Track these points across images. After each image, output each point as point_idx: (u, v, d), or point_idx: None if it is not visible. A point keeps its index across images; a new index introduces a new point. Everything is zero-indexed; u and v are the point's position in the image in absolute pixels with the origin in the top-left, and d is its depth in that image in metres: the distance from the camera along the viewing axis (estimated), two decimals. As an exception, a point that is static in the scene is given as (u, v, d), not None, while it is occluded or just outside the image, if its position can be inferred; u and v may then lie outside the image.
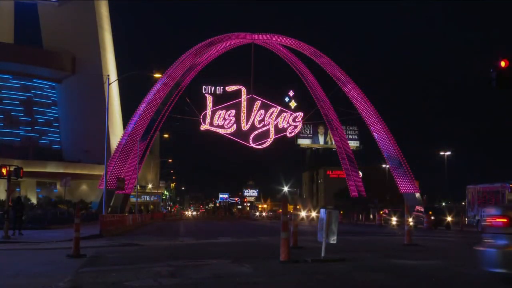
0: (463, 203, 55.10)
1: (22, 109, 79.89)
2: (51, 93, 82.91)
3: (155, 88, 54.56)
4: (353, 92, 58.84)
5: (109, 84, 35.35)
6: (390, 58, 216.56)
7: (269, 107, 60.27)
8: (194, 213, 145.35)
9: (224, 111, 58.95)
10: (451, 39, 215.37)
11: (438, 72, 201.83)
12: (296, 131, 63.28)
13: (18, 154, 69.91)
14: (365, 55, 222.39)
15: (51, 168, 71.30)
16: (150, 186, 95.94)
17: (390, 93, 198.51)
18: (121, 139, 54.46)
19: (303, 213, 56.38)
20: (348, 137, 78.29)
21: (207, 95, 58.71)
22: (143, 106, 54.17)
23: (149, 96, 54.53)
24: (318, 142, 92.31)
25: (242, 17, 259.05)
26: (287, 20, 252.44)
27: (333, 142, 75.45)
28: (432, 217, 37.47)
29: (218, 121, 58.72)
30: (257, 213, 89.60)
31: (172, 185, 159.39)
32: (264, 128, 59.93)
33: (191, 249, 16.56)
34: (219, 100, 59.21)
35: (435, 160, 66.99)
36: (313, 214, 54.45)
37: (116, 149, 53.94)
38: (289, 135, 61.86)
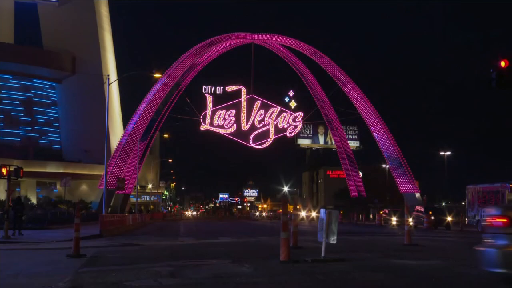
0: (463, 203, 55.14)
1: (22, 109, 79.86)
2: (51, 93, 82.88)
3: (155, 88, 54.57)
4: (353, 92, 58.85)
5: (109, 84, 35.37)
6: (390, 58, 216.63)
7: (269, 107, 60.29)
8: (194, 213, 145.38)
9: (224, 111, 58.96)
10: (451, 39, 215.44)
11: (438, 72, 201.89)
12: (296, 131, 63.28)
13: (18, 154, 69.87)
14: (365, 55, 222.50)
15: (51, 168, 71.29)
16: (150, 186, 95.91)
17: (390, 93, 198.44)
18: (121, 139, 54.46)
19: (303, 213, 56.40)
20: (348, 137, 78.25)
21: (207, 95, 58.72)
22: (143, 106, 54.17)
23: (149, 96, 54.53)
24: (318, 142, 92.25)
25: (242, 17, 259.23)
26: (287, 20, 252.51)
27: (333, 142, 75.44)
28: (432, 217, 37.51)
29: (218, 121, 58.74)
30: (257, 213, 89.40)
31: (172, 185, 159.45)
32: (264, 128, 59.94)
33: (191, 249, 16.57)
34: (219, 100, 59.24)
35: (435, 160, 67.07)
36: (313, 214, 54.47)
37: (116, 149, 53.94)
38: (289, 135, 61.87)
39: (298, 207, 67.51)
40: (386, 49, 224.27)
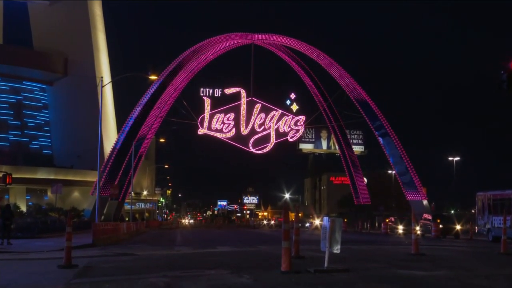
0: (472, 211, 55.03)
1: (12, 112, 79.89)
2: (42, 96, 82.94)
3: (151, 91, 54.61)
4: (357, 94, 58.90)
5: (102, 86, 35.42)
6: (396, 60, 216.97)
7: (270, 110, 60.31)
8: (192, 221, 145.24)
9: (222, 115, 58.98)
10: (461, 40, 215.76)
11: (446, 74, 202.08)
12: (298, 135, 63.29)
13: (7, 159, 69.86)
14: (369, 57, 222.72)
15: (42, 174, 71.24)
16: (145, 193, 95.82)
17: (396, 96, 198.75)
18: (115, 144, 54.50)
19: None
20: (352, 141, 78.29)
21: (205, 98, 58.75)
22: (138, 109, 54.21)
23: (144, 99, 54.57)
24: (321, 147, 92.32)
25: (241, 17, 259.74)
26: (288, 20, 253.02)
27: (337, 147, 75.46)
28: (440, 226, 37.50)
29: (216, 125, 58.75)
30: (265, 221, 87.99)
31: (168, 192, 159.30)
32: (265, 132, 59.95)
33: (188, 259, 16.56)
34: (217, 103, 59.27)
35: (443, 166, 67.14)
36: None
37: (109, 154, 53.98)
38: (290, 140, 61.87)
39: (300, 215, 67.41)
40: (392, 50, 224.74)
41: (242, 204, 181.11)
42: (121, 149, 52.76)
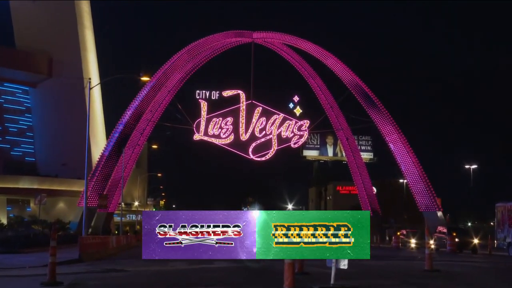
0: (491, 223, 55.05)
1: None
2: (24, 99, 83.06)
3: (143, 93, 54.63)
4: (366, 97, 58.92)
5: (90, 89, 35.47)
6: (407, 62, 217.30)
7: (271, 114, 60.32)
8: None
9: (220, 119, 58.99)
10: (476, 43, 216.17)
11: (462, 77, 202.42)
12: (302, 141, 63.29)
13: (-14, 167, 69.96)
14: (376, 57, 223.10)
15: (24, 183, 71.23)
16: (136, 203, 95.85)
17: (409, 100, 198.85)
18: (103, 151, 54.46)
19: None
20: (361, 148, 78.26)
21: (201, 101, 58.76)
22: (129, 113, 54.20)
23: (135, 102, 54.58)
24: (327, 154, 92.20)
25: (240, 14, 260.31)
26: (289, 19, 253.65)
27: (344, 154, 75.43)
28: (457, 239, 37.47)
29: (213, 130, 58.74)
30: None
31: (162, 202, 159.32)
32: (266, 138, 59.93)
33: (183, 276, 16.54)
34: (214, 107, 59.22)
35: (459, 175, 67.07)
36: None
37: (98, 162, 53.95)
38: (293, 146, 61.86)
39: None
40: (402, 50, 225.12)
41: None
42: (110, 156, 52.72)
